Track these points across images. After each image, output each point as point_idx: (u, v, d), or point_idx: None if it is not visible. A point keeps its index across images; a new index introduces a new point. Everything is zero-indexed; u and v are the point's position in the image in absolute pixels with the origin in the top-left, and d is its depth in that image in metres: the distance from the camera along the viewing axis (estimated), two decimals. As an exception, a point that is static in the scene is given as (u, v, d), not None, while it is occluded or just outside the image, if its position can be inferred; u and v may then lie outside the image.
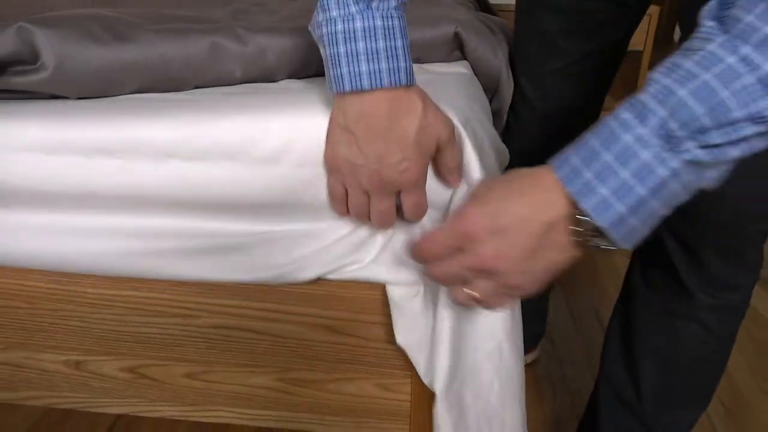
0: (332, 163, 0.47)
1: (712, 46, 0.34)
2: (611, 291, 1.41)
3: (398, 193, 0.47)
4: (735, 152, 0.35)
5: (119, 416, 1.03)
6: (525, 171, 0.41)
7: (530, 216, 0.39)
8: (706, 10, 0.36)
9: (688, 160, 0.35)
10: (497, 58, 0.69)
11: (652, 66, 0.61)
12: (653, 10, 1.56)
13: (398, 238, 0.51)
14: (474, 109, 0.53)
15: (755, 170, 0.54)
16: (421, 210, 0.48)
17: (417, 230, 0.50)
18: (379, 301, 0.54)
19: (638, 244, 0.39)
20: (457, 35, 0.65)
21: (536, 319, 1.16)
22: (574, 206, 0.38)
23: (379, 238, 0.51)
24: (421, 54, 0.64)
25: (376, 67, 0.42)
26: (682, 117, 0.34)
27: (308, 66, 0.58)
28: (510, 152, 0.61)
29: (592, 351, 1.21)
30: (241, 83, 0.57)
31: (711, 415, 1.10)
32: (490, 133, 0.54)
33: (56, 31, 0.51)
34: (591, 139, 0.38)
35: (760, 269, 0.67)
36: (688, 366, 0.73)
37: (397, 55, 0.42)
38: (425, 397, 0.57)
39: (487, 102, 0.67)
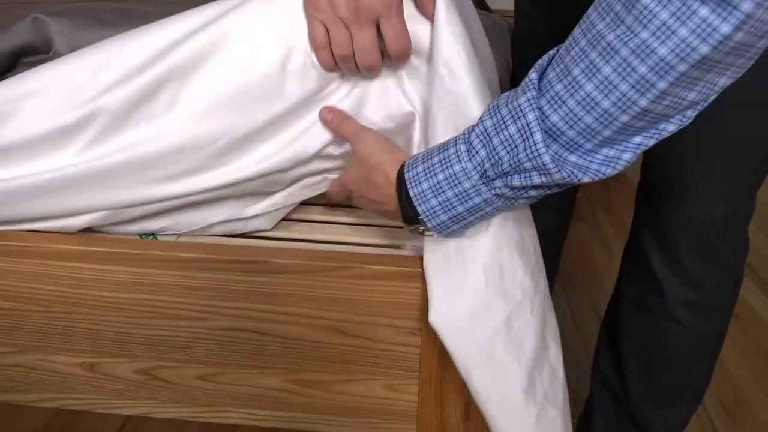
0: (311, 1, 0.49)
1: (521, 99, 0.41)
2: (612, 292, 1.42)
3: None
4: (533, 192, 0.44)
5: (129, 417, 1.04)
6: (385, 160, 0.50)
7: (378, 204, 0.53)
8: (538, 63, 0.43)
9: (496, 193, 0.44)
10: None
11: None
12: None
13: None
14: None
15: (713, 198, 0.62)
16: (402, 41, 0.49)
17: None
18: (386, 303, 0.55)
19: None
20: None
21: None
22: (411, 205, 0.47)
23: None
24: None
25: None
26: (494, 161, 0.43)
27: None
28: None
29: (593, 352, 1.23)
30: None
31: (713, 417, 1.11)
32: None
33: (68, 19, 0.54)
34: (435, 155, 0.46)
35: (734, 262, 0.70)
36: (669, 361, 0.76)
37: None
38: (431, 397, 0.58)
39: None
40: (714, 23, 0.33)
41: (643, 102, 0.38)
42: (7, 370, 0.65)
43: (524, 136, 0.41)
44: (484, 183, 0.44)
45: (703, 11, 0.33)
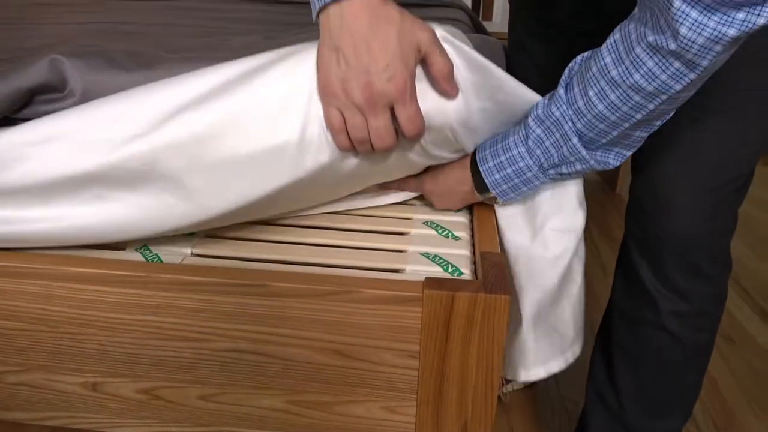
0: (326, 89, 0.51)
1: (557, 114, 0.57)
2: (608, 313, 1.43)
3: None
4: (574, 174, 0.61)
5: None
6: (454, 181, 0.66)
7: (456, 185, 0.67)
8: (563, 79, 0.58)
9: (551, 177, 0.62)
10: None
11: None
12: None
13: None
14: (457, 34, 0.58)
15: (696, 215, 0.71)
16: (416, 124, 0.52)
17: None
18: (386, 327, 0.57)
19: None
20: None
21: None
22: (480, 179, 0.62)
23: None
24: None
25: None
26: (547, 158, 0.59)
27: None
28: None
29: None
30: None
31: (705, 436, 1.12)
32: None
33: (83, 60, 0.55)
34: (502, 155, 0.61)
35: (718, 275, 0.75)
36: (661, 372, 0.79)
37: None
38: (429, 419, 0.59)
39: None
40: (685, 72, 0.49)
41: (638, 116, 0.54)
42: (10, 388, 0.66)
43: (566, 139, 0.57)
44: (541, 172, 0.60)
45: (677, 64, 0.49)
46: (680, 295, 0.74)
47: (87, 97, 0.54)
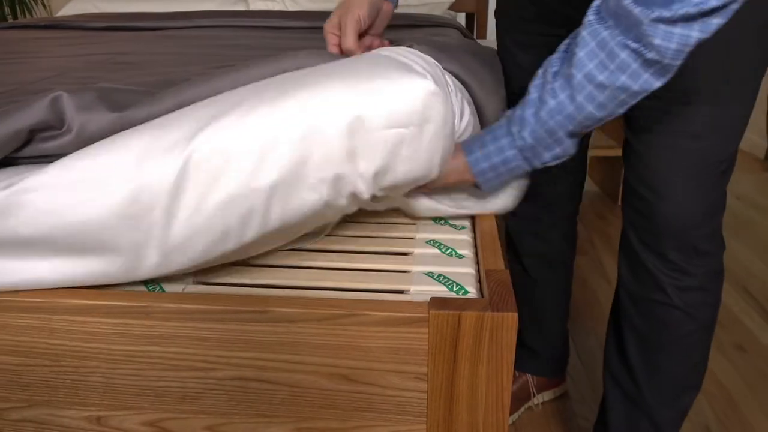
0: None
1: (553, 122, 0.63)
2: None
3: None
4: (550, 160, 0.66)
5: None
6: (454, 171, 0.67)
7: (455, 178, 0.68)
8: (534, 86, 0.64)
9: (534, 167, 0.66)
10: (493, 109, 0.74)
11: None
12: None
13: None
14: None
15: (687, 197, 0.77)
16: None
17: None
18: (393, 349, 0.56)
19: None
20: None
21: (559, 343, 1.19)
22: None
23: None
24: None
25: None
26: (535, 153, 0.65)
27: None
28: None
29: (599, 388, 1.22)
30: None
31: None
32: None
33: (80, 98, 0.56)
34: (489, 144, 0.66)
35: (713, 252, 0.81)
36: (669, 348, 0.85)
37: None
38: (440, 442, 0.58)
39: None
40: (663, 72, 0.58)
41: (620, 111, 0.61)
42: (14, 425, 0.65)
43: (559, 142, 0.64)
44: (524, 160, 0.66)
45: (657, 66, 0.57)
46: (682, 272, 0.80)
47: (82, 133, 0.55)
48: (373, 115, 0.53)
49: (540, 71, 0.64)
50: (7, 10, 2.51)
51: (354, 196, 0.57)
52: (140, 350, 0.59)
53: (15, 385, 0.62)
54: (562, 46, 0.63)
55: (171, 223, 0.52)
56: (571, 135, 0.63)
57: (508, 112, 0.66)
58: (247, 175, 0.52)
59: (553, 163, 0.66)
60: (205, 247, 0.55)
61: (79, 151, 0.53)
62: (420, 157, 0.57)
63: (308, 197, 0.54)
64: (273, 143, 0.52)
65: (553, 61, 0.63)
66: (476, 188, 0.70)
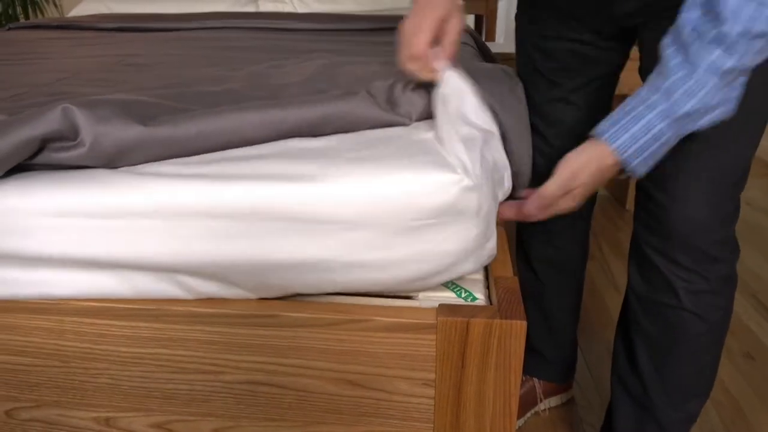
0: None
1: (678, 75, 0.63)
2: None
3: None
4: (695, 128, 0.65)
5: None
6: (586, 169, 0.68)
7: (597, 174, 0.69)
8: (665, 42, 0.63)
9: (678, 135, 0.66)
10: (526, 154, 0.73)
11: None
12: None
13: None
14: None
15: (702, 203, 0.77)
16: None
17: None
18: (400, 355, 0.56)
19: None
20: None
21: (567, 348, 1.19)
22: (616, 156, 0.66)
23: None
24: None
25: None
26: (676, 114, 0.64)
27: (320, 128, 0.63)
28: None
29: (606, 395, 1.21)
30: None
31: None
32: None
33: (93, 111, 0.56)
34: (634, 126, 0.65)
35: (726, 258, 0.81)
36: (678, 351, 0.84)
37: None
38: (447, 449, 0.58)
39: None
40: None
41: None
42: (23, 425, 0.65)
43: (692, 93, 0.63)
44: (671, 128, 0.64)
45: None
46: (694, 275, 0.79)
47: (96, 146, 0.55)
48: (401, 208, 0.53)
49: (669, 38, 0.63)
50: (18, 9, 2.52)
51: None
52: (149, 353, 0.59)
53: (24, 385, 0.63)
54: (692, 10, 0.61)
55: None
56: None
57: (641, 90, 0.65)
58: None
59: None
60: None
61: None
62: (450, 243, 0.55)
63: None
64: None
65: (687, 22, 0.61)
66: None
